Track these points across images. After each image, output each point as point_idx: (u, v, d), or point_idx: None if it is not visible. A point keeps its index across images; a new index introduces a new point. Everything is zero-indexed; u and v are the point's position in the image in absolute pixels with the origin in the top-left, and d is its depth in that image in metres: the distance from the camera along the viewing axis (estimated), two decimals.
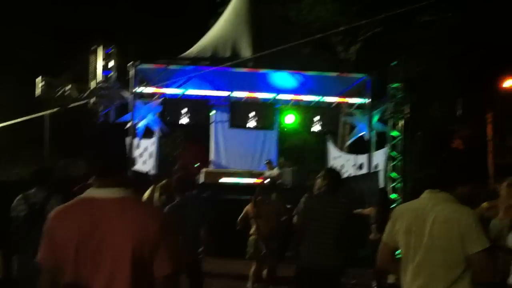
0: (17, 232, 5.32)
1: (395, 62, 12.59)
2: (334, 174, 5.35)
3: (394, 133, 12.46)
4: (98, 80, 11.72)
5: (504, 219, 4.45)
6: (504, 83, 19.21)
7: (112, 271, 2.10)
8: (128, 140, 11.65)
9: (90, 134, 2.35)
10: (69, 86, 11.67)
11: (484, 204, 4.93)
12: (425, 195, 2.92)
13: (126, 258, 2.09)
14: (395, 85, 12.37)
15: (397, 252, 2.99)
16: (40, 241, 2.18)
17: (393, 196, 11.78)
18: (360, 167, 13.15)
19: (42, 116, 11.01)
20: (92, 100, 11.71)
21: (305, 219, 5.05)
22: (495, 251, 2.79)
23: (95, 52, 11.90)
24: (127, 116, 12.10)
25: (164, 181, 7.12)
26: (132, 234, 2.11)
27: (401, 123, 12.44)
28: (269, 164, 13.45)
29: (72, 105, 11.43)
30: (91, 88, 11.79)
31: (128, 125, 11.94)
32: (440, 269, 2.74)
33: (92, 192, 2.22)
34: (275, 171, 13.22)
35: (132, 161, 11.23)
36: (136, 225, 2.12)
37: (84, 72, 12.46)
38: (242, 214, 7.99)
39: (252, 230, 7.75)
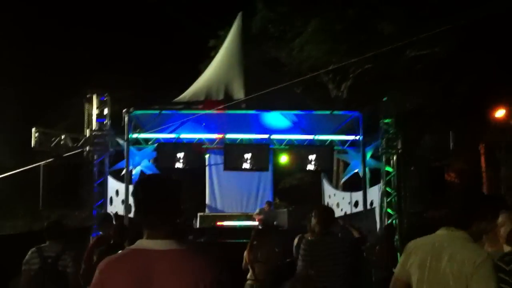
0: (29, 286, 5.25)
1: (385, 98, 12.65)
2: (324, 210, 5.41)
3: (388, 169, 12.43)
4: (92, 128, 11.76)
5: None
6: (495, 113, 19.37)
7: None
8: (123, 187, 11.67)
9: (146, 187, 2.34)
10: (64, 136, 11.70)
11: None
12: (441, 232, 2.92)
13: None
14: (387, 120, 12.36)
15: None
16: None
17: None
18: (356, 204, 13.12)
19: (37, 167, 10.97)
20: (87, 148, 11.72)
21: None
22: None
23: (89, 100, 11.96)
24: (122, 163, 12.12)
25: None
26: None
27: (394, 158, 12.43)
28: (268, 205, 13.43)
29: (66, 154, 11.43)
30: (86, 136, 11.82)
31: (123, 172, 11.97)
32: None
33: (144, 244, 2.21)
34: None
35: (128, 208, 11.19)
36: (192, 279, 2.13)
37: (78, 121, 12.51)
38: (244, 262, 7.65)
39: (248, 275, 7.57)
